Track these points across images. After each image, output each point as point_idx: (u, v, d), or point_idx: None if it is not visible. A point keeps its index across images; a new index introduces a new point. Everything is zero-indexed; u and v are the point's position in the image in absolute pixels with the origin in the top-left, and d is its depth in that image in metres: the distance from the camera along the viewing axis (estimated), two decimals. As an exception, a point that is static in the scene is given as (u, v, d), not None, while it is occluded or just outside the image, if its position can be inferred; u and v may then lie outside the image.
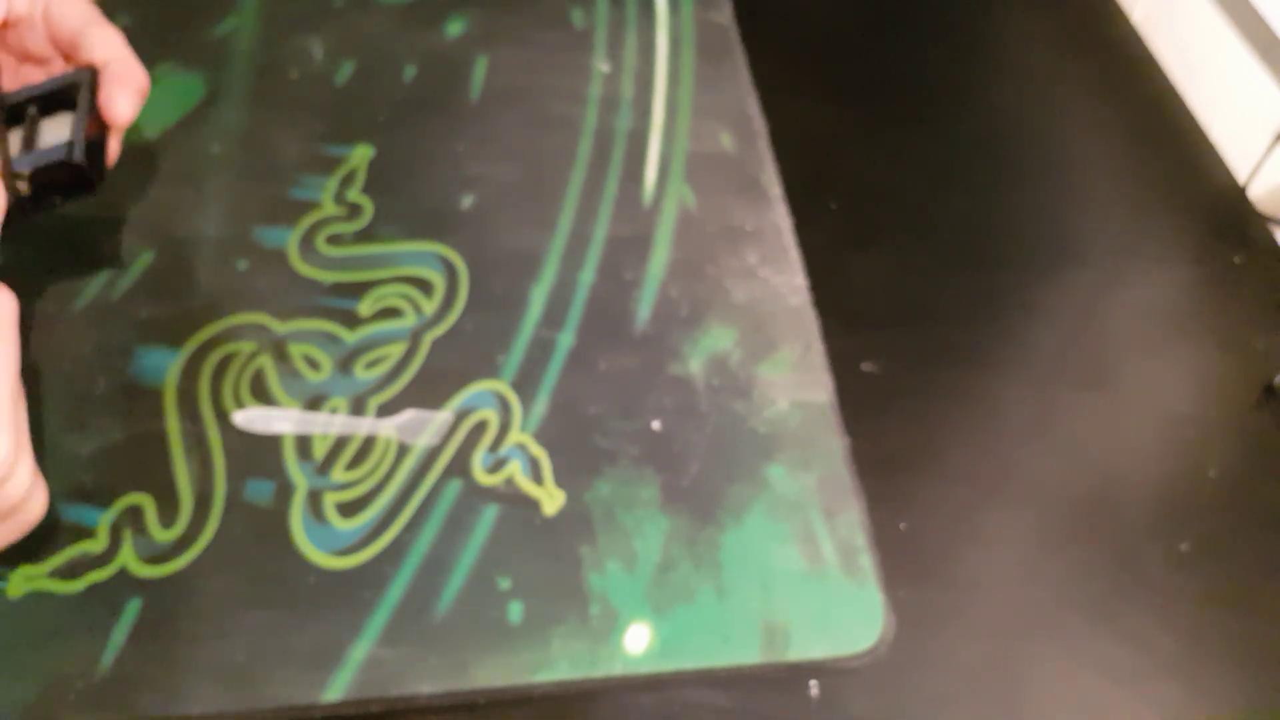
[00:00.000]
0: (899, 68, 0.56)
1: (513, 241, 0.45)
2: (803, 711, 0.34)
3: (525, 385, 0.41)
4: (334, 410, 0.40)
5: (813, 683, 0.35)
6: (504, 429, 0.40)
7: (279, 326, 0.42)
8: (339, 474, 0.38)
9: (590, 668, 0.34)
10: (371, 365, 0.41)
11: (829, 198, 0.49)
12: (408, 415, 0.40)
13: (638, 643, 0.35)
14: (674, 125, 0.51)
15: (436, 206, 0.42)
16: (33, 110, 0.39)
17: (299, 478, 0.38)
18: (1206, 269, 0.48)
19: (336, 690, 0.33)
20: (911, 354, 0.44)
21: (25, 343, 0.40)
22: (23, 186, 0.36)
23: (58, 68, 0.41)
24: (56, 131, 0.38)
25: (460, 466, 0.39)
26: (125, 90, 0.38)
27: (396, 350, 0.42)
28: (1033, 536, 0.39)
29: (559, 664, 0.34)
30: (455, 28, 0.54)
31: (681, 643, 0.35)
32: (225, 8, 0.54)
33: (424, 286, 0.44)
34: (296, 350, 0.41)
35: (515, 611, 0.35)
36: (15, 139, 0.38)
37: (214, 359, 0.41)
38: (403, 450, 0.39)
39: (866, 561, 0.37)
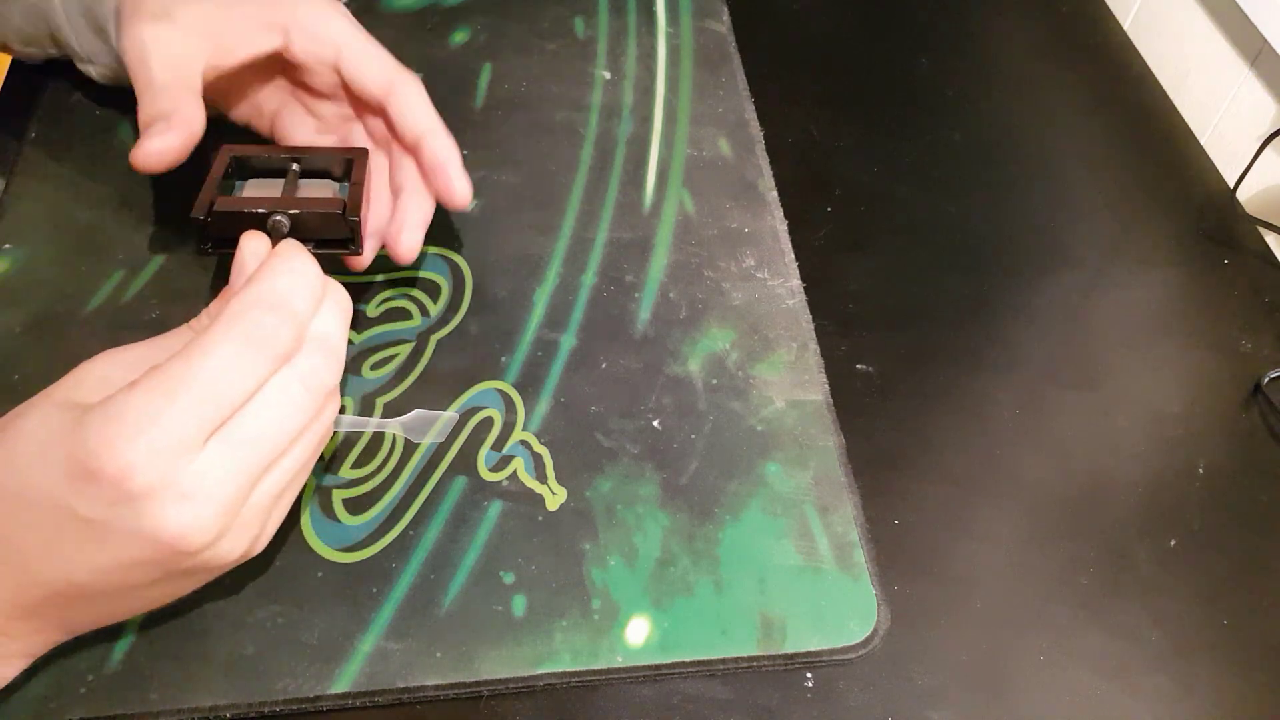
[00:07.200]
0: (893, 75, 0.57)
1: (516, 245, 0.46)
2: (799, 703, 0.35)
3: (528, 385, 0.41)
4: (342, 409, 0.40)
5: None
6: (508, 427, 0.40)
7: (288, 328, 0.42)
8: (346, 471, 0.38)
9: (592, 660, 0.35)
10: (379, 365, 0.41)
11: (824, 202, 0.50)
12: (414, 414, 0.40)
13: (638, 635, 0.35)
14: (673, 131, 0.51)
15: (442, 211, 0.43)
16: (295, 168, 0.39)
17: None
18: (1196, 270, 0.49)
19: (344, 682, 0.34)
20: (905, 354, 0.44)
21: (37, 344, 0.41)
22: (283, 222, 0.35)
23: (330, 111, 0.42)
24: (321, 192, 0.39)
25: (465, 464, 0.39)
26: (458, 171, 0.39)
27: (403, 351, 0.42)
28: (1024, 532, 0.39)
29: (561, 656, 0.35)
30: (460, 36, 0.55)
31: (681, 635, 0.35)
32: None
33: (430, 289, 0.44)
34: (305, 351, 0.42)
35: (519, 605, 0.36)
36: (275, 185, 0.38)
37: (224, 360, 0.41)
38: (409, 448, 0.39)
39: (861, 556, 0.38)
